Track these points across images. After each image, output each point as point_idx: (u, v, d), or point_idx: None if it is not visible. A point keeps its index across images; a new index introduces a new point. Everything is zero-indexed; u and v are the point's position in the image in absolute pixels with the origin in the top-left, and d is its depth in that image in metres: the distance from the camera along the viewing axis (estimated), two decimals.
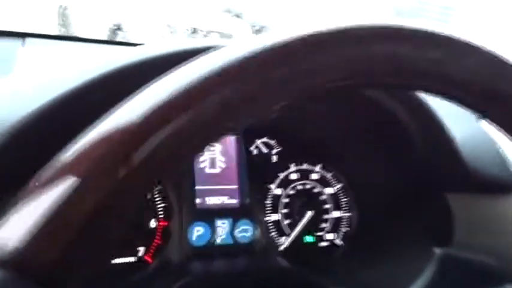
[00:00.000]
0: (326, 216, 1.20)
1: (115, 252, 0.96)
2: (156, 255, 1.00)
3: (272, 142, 1.22)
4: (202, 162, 1.12)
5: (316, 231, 1.20)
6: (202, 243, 1.05)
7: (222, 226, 1.09)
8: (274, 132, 1.18)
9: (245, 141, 1.15)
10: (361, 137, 1.03)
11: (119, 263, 0.97)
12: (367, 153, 1.07)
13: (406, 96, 0.75)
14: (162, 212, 1.03)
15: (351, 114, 0.94)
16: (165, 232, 1.02)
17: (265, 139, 1.20)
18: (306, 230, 1.17)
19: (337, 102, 0.88)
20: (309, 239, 1.18)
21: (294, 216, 1.18)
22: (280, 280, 0.90)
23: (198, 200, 1.09)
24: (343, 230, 1.29)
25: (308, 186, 1.21)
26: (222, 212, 1.09)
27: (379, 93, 0.76)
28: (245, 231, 1.11)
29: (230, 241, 1.08)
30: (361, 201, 1.29)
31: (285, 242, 1.15)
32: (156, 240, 1.02)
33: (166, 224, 1.03)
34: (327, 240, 1.20)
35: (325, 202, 1.22)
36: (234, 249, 1.07)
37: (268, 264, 1.02)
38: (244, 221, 1.11)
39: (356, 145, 1.09)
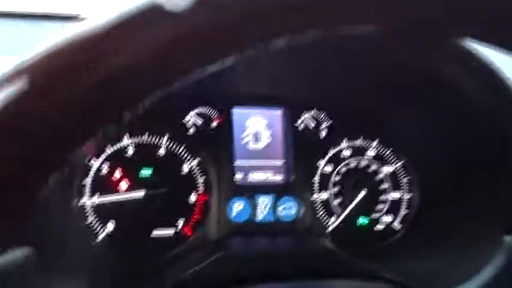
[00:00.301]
0: (383, 197, 1.12)
1: (154, 224, 1.00)
2: (195, 228, 1.01)
3: (321, 115, 1.15)
4: (245, 137, 1.08)
5: (371, 213, 1.11)
6: (242, 219, 1.04)
7: (264, 203, 1.06)
8: (323, 104, 1.12)
9: (292, 115, 1.10)
10: (422, 107, 0.92)
11: (158, 236, 0.99)
12: (429, 125, 0.96)
13: (464, 57, 0.65)
14: (201, 186, 1.03)
15: (409, 84, 0.84)
16: (205, 206, 1.03)
17: (313, 112, 1.14)
18: (359, 211, 1.10)
19: (395, 71, 0.80)
20: (362, 220, 1.11)
21: (345, 196, 1.10)
22: (324, 263, 0.82)
23: (238, 176, 1.06)
24: (403, 212, 1.16)
25: (363, 164, 1.13)
26: (264, 188, 1.06)
27: (437, 59, 0.67)
28: (288, 209, 1.06)
29: (271, 218, 1.04)
30: (424, 181, 1.14)
31: (334, 222, 1.09)
32: (195, 215, 1.02)
33: (206, 198, 1.03)
34: (384, 223, 1.11)
35: (381, 182, 1.13)
36: (275, 227, 1.03)
37: (312, 245, 0.96)
38: (287, 198, 1.07)
39: (417, 117, 0.99)
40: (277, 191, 1.06)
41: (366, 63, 0.82)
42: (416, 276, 0.82)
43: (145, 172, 1.01)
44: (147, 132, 1.01)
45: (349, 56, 0.81)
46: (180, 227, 1.02)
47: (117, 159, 0.99)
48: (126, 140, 1.00)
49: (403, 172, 1.14)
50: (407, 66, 0.75)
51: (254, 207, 1.05)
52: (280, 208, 1.06)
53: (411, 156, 1.13)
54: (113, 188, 0.98)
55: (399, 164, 1.16)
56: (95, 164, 0.98)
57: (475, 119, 0.76)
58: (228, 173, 1.05)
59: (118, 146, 1.00)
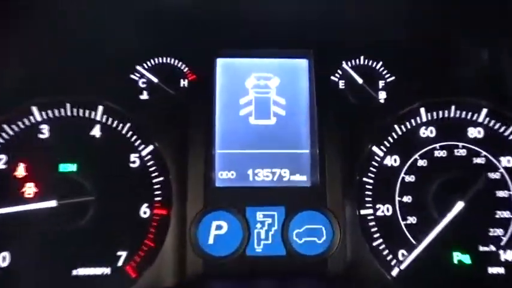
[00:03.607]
0: (502, 214, 0.75)
1: (77, 257, 0.72)
2: (144, 267, 0.72)
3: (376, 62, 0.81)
4: (241, 106, 0.78)
5: (478, 244, 0.75)
6: (225, 251, 0.71)
7: (266, 223, 0.72)
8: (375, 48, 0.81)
9: (324, 64, 0.81)
10: None
11: (83, 276, 0.71)
12: None
13: None
14: (157, 193, 0.74)
15: None
16: (161, 228, 0.72)
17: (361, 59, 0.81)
18: (454, 241, 0.74)
19: None
20: (460, 258, 0.74)
21: (425, 211, 0.75)
22: None
23: (221, 175, 0.76)
24: None
25: (461, 153, 0.77)
26: (268, 196, 0.74)
27: None
28: (312, 234, 0.72)
29: (279, 251, 0.72)
30: None
31: (403, 259, 0.73)
32: (146, 243, 0.72)
33: (163, 213, 0.72)
34: (503, 263, 0.74)
35: (498, 184, 0.76)
36: (285, 266, 0.71)
37: None
38: (311, 214, 0.72)
39: None
40: (293, 202, 0.75)
41: None
42: None
43: (66, 168, 0.75)
44: (71, 100, 0.77)
45: None
46: (120, 263, 0.73)
47: (22, 145, 0.75)
48: (36, 113, 0.75)
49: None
50: None
51: (247, 230, 0.73)
52: (295, 232, 0.73)
53: None
54: (12, 194, 0.74)
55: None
56: None
57: None
58: (202, 169, 0.75)
59: (24, 120, 0.75)
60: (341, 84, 0.81)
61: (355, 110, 0.80)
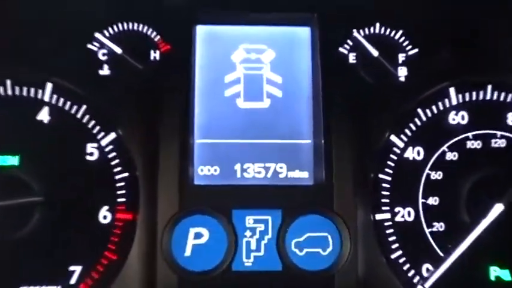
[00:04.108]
0: None
1: (19, 274, 0.64)
2: (104, 286, 0.64)
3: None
4: (226, 86, 0.69)
5: None
6: (207, 265, 0.62)
7: (257, 231, 0.64)
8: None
9: (327, 32, 0.71)
10: None
11: None
12: None
13: None
14: (120, 194, 0.65)
15: None
16: (126, 237, 0.63)
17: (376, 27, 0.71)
18: (492, 253, 0.65)
19: None
20: (497, 273, 0.66)
21: (455, 215, 0.66)
22: None
23: (201, 171, 0.67)
24: None
25: (499, 144, 0.68)
26: (260, 197, 0.65)
27: None
28: (316, 244, 0.63)
29: (275, 265, 0.62)
30: None
31: (429, 276, 0.64)
32: (106, 255, 0.63)
33: (128, 217, 0.64)
34: None
35: None
36: (283, 283, 0.63)
37: None
38: (314, 219, 0.64)
39: None
40: (291, 204, 0.66)
41: None
42: None
43: (5, 161, 0.66)
44: (12, 76, 0.68)
45: None
46: (73, 280, 0.64)
47: None
48: None
49: None
50: None
51: (234, 239, 0.64)
52: (295, 242, 0.64)
53: None
54: None
55: None
56: None
57: None
58: (178, 163, 0.66)
59: None
60: (351, 57, 0.70)
61: (369, 90, 0.70)
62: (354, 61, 0.70)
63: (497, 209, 0.63)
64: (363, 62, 0.70)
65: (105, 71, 0.69)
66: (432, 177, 0.68)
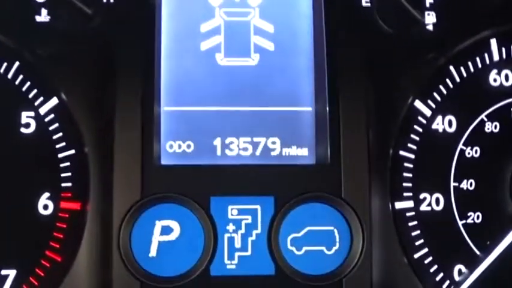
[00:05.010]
0: None
1: None
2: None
3: None
4: (203, 37, 0.61)
5: None
6: (178, 269, 0.53)
7: (242, 224, 0.55)
8: None
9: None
10: None
11: None
12: None
13: None
14: (66, 177, 0.56)
15: None
16: (74, 233, 0.55)
17: None
18: None
19: None
20: None
21: (492, 205, 0.58)
22: None
23: (171, 147, 0.57)
24: None
25: None
26: (245, 180, 0.56)
27: None
28: (320, 240, 0.54)
29: (264, 267, 0.53)
30: None
31: (460, 279, 0.57)
32: (47, 256, 0.54)
33: (76, 207, 0.55)
34: None
35: None
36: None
37: None
38: (317, 208, 0.54)
39: None
40: (286, 190, 0.56)
41: None
42: None
43: None
44: None
45: None
46: (6, 286, 0.56)
47: None
48: None
49: None
50: None
51: (212, 235, 0.54)
52: (291, 238, 0.55)
53: None
54: None
55: None
56: None
57: None
58: (139, 138, 0.56)
59: None
60: (365, 0, 0.61)
61: (388, 42, 0.60)
62: (368, 4, 0.60)
63: None
64: (379, 4, 0.60)
65: (43, 17, 0.59)
66: (467, 155, 0.60)
